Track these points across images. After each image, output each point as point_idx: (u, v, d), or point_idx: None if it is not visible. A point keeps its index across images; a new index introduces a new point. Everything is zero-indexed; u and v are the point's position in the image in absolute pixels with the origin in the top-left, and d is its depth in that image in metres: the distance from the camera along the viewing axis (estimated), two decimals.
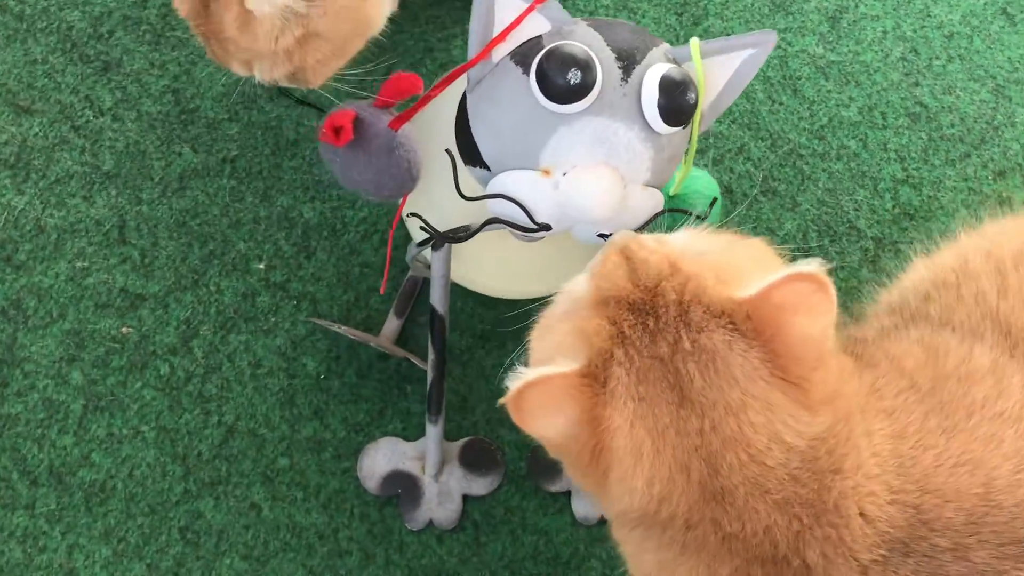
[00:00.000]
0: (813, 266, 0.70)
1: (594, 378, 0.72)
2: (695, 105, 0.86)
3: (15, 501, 1.18)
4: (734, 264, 0.75)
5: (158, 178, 1.32)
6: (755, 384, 0.71)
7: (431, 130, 1.04)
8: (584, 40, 0.84)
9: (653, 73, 0.84)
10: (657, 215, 0.90)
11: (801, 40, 1.49)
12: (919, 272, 1.02)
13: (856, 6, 1.52)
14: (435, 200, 1.06)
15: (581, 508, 1.24)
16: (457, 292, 1.26)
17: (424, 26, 1.42)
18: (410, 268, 1.22)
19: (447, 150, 0.92)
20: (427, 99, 0.96)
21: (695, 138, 0.92)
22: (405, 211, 1.07)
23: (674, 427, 0.71)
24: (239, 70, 1.10)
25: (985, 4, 1.54)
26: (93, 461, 1.20)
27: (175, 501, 1.20)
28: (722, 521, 0.72)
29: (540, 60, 0.82)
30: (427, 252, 1.11)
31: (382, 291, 1.26)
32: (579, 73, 0.81)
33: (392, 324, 1.26)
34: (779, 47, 1.47)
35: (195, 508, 1.20)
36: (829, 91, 1.47)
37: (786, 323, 0.71)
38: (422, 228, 0.96)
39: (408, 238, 1.25)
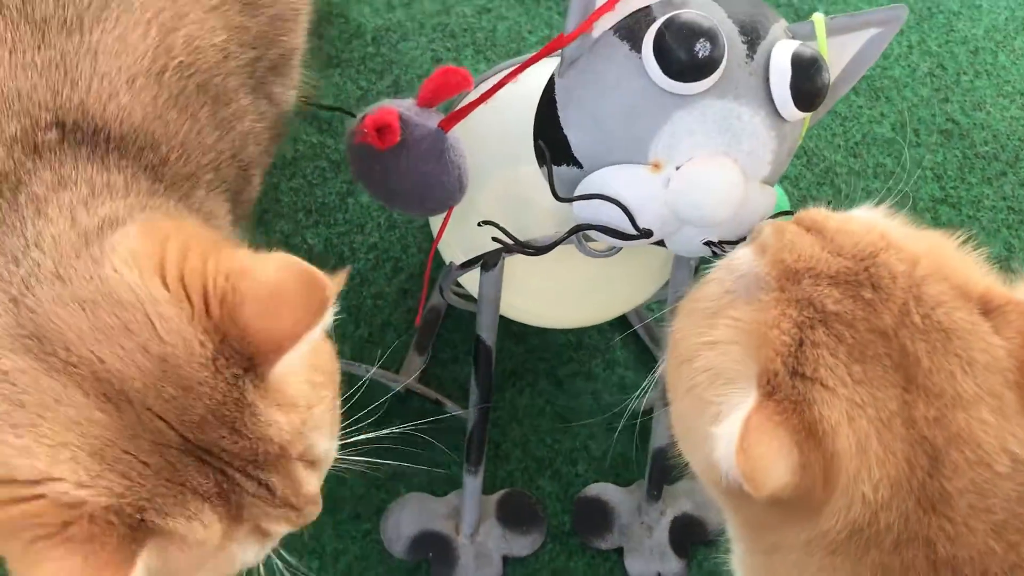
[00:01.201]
0: None
1: (792, 379, 0.59)
2: (826, 88, 0.74)
3: None
4: (951, 254, 0.63)
5: None
6: (993, 378, 0.58)
7: (474, 134, 0.90)
8: (702, 7, 0.72)
9: (782, 49, 0.72)
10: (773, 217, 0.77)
11: None
12: None
13: None
14: (479, 213, 0.91)
15: (635, 566, 1.08)
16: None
17: (431, 34, 1.29)
18: (442, 295, 1.06)
19: (539, 142, 0.78)
20: (493, 91, 0.82)
21: (805, 131, 0.81)
22: (452, 227, 0.93)
23: (901, 415, 0.58)
24: None
25: (1007, 19, 1.49)
26: None
27: None
28: (937, 541, 0.58)
29: (659, 30, 0.69)
30: (466, 276, 0.97)
31: (417, 322, 1.10)
32: (708, 45, 0.68)
33: (414, 362, 1.11)
34: None
35: None
36: (861, 107, 1.39)
37: None
38: (495, 239, 0.81)
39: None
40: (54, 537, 0.56)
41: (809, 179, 1.32)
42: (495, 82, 0.82)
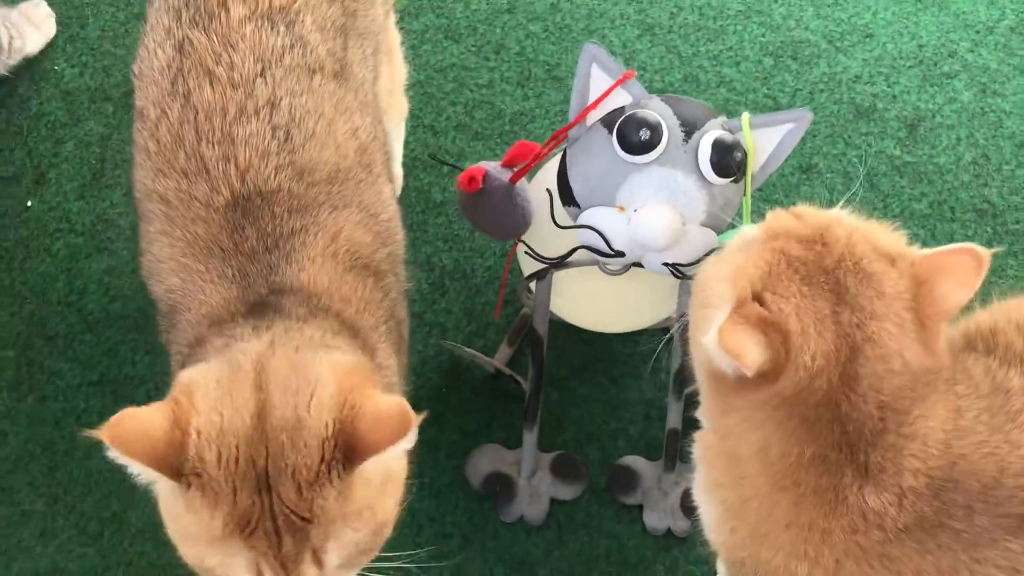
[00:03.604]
0: (982, 248, 0.90)
1: (767, 294, 0.91)
2: (741, 163, 1.10)
3: None
4: (879, 232, 0.96)
5: None
6: (897, 303, 0.90)
7: (537, 187, 1.31)
8: (656, 110, 1.11)
9: (708, 136, 1.09)
10: (711, 252, 1.13)
11: (880, 143, 1.70)
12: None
13: (933, 116, 1.72)
14: (540, 241, 1.32)
15: (651, 520, 1.43)
16: (561, 330, 1.51)
17: (553, 117, 1.72)
18: (523, 304, 1.48)
19: (547, 189, 1.19)
20: (538, 157, 1.24)
21: (748, 194, 1.16)
22: (520, 248, 1.34)
23: (833, 318, 0.90)
24: None
25: None
26: None
27: None
28: (841, 404, 0.89)
29: (620, 122, 1.09)
30: (533, 284, 1.37)
31: (496, 315, 1.52)
32: (648, 132, 1.07)
33: (504, 351, 1.52)
34: (858, 147, 1.69)
35: None
36: (903, 187, 1.67)
37: (941, 280, 0.90)
38: (527, 253, 1.22)
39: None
40: None
41: None
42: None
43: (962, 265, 0.91)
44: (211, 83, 1.04)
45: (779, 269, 0.92)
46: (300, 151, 1.04)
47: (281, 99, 1.04)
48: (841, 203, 1.01)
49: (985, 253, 0.90)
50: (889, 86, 1.75)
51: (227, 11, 1.05)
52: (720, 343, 0.88)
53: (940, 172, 1.68)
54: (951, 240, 1.63)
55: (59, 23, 1.78)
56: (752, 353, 0.89)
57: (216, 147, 1.03)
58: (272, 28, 1.06)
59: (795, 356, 0.89)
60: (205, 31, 1.05)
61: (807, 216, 0.98)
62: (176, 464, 0.85)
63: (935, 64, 1.77)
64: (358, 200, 1.09)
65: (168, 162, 1.05)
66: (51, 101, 1.72)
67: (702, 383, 1.02)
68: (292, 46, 1.06)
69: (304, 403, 0.87)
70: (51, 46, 1.76)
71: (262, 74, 1.04)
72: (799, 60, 1.77)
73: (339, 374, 0.90)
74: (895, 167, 1.69)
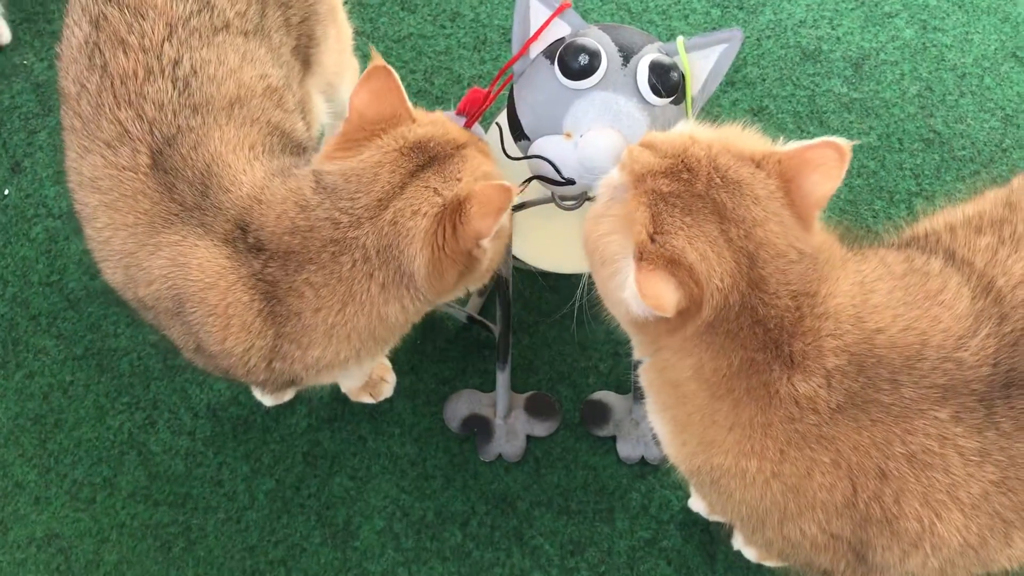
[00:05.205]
0: (842, 140, 0.95)
1: (658, 236, 0.95)
2: (678, 83, 1.16)
3: (181, 428, 1.52)
4: (737, 137, 1.01)
5: None
6: (773, 203, 0.96)
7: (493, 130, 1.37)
8: (595, 37, 1.16)
9: (646, 59, 1.15)
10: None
11: (827, 82, 1.76)
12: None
13: (877, 54, 1.78)
14: None
15: (624, 450, 1.48)
16: (528, 280, 1.56)
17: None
18: None
19: (496, 123, 1.24)
20: (489, 99, 1.29)
21: (691, 116, 1.21)
22: None
23: (723, 237, 0.95)
24: None
25: (996, 49, 1.78)
26: (240, 401, 1.54)
27: (300, 432, 1.51)
28: (758, 307, 0.95)
29: (560, 50, 1.15)
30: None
31: None
32: (587, 57, 1.13)
33: (475, 301, 1.57)
34: (807, 87, 1.75)
35: (315, 438, 1.51)
36: (851, 122, 1.73)
37: (808, 174, 0.96)
38: None
39: None
40: None
41: None
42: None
43: (826, 159, 0.95)
44: (124, 51, 1.12)
45: (658, 209, 0.96)
46: (197, 93, 1.12)
47: (183, 55, 1.13)
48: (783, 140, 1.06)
49: (846, 144, 0.95)
50: (833, 28, 1.81)
51: None
52: (641, 296, 0.92)
53: (887, 106, 1.74)
54: (902, 171, 1.68)
55: (26, 19, 1.83)
56: (669, 297, 0.93)
57: (130, 108, 1.11)
58: None
59: (706, 284, 0.94)
60: (118, 5, 1.14)
61: (661, 145, 1.01)
62: None
63: (876, 4, 1.83)
64: (265, 120, 1.16)
65: (91, 135, 1.12)
66: (22, 94, 1.77)
67: (628, 330, 1.07)
68: (200, 11, 1.16)
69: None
70: (19, 41, 1.81)
71: (169, 37, 1.13)
72: (745, 9, 1.83)
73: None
74: (843, 104, 1.74)
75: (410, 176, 1.08)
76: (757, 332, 0.96)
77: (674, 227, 0.96)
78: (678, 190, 0.97)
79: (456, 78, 1.77)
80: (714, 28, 1.80)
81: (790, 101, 1.74)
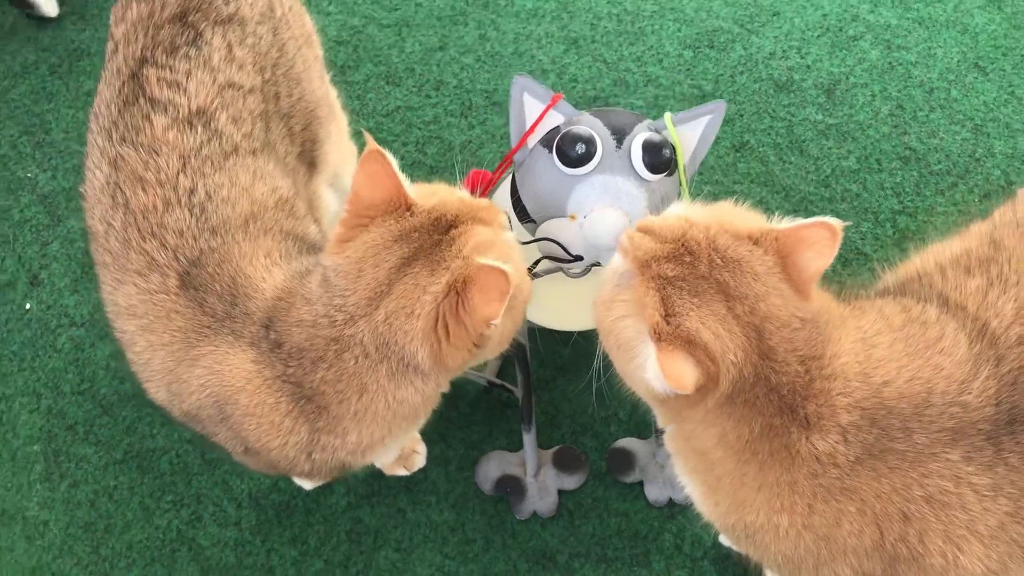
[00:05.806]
0: (835, 221, 1.01)
1: (671, 318, 1.01)
2: (670, 159, 1.22)
3: (227, 520, 1.58)
4: (731, 215, 1.07)
5: None
6: (772, 278, 1.02)
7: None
8: (588, 124, 1.23)
9: (638, 139, 1.22)
10: None
11: (802, 111, 1.83)
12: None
13: (847, 78, 1.86)
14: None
15: (652, 493, 1.55)
16: (541, 338, 1.63)
17: (500, 142, 1.84)
18: None
19: (504, 211, 1.31)
20: (492, 182, 1.36)
21: (685, 184, 1.28)
22: None
23: (730, 314, 1.01)
24: None
25: (959, 61, 1.86)
26: (280, 487, 1.60)
27: (341, 511, 1.57)
28: (770, 376, 1.02)
29: (557, 141, 1.21)
30: None
31: None
32: (583, 145, 1.19)
33: (493, 365, 1.64)
34: (784, 118, 1.82)
35: (356, 515, 1.57)
36: (830, 148, 1.80)
37: (803, 251, 1.02)
38: None
39: None
40: None
41: (787, 208, 1.75)
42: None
43: (819, 237, 1.01)
44: (143, 188, 1.19)
45: (667, 293, 1.02)
46: (213, 216, 1.19)
47: (197, 183, 1.20)
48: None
49: (839, 225, 1.01)
50: (802, 57, 1.88)
51: (151, 123, 1.21)
52: (664, 377, 0.99)
53: (862, 128, 1.81)
54: (883, 190, 1.76)
55: (24, 131, 1.88)
56: (689, 375, 0.99)
57: (153, 239, 1.18)
58: (191, 129, 1.21)
59: (721, 360, 1.00)
60: (133, 145, 1.21)
61: (660, 230, 1.07)
62: None
63: (840, 29, 1.90)
64: (278, 228, 1.23)
65: (122, 268, 1.19)
66: (31, 207, 1.82)
67: (650, 403, 1.13)
68: (209, 140, 1.22)
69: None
70: (20, 155, 1.87)
71: (183, 168, 1.20)
72: (716, 48, 1.90)
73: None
74: (820, 131, 1.82)
75: (396, 271, 1.08)
76: (772, 399, 1.02)
77: (684, 309, 1.02)
78: (683, 273, 1.03)
79: (448, 146, 1.83)
80: (687, 70, 1.87)
81: (769, 134, 1.82)
